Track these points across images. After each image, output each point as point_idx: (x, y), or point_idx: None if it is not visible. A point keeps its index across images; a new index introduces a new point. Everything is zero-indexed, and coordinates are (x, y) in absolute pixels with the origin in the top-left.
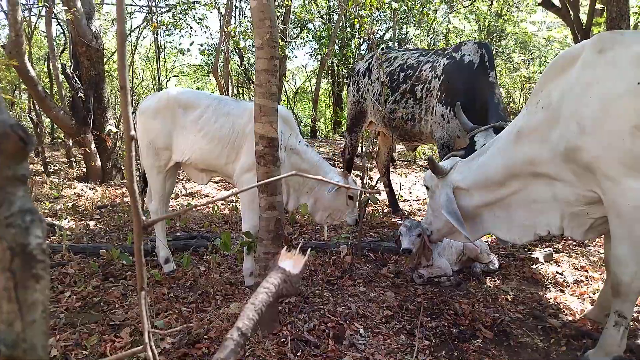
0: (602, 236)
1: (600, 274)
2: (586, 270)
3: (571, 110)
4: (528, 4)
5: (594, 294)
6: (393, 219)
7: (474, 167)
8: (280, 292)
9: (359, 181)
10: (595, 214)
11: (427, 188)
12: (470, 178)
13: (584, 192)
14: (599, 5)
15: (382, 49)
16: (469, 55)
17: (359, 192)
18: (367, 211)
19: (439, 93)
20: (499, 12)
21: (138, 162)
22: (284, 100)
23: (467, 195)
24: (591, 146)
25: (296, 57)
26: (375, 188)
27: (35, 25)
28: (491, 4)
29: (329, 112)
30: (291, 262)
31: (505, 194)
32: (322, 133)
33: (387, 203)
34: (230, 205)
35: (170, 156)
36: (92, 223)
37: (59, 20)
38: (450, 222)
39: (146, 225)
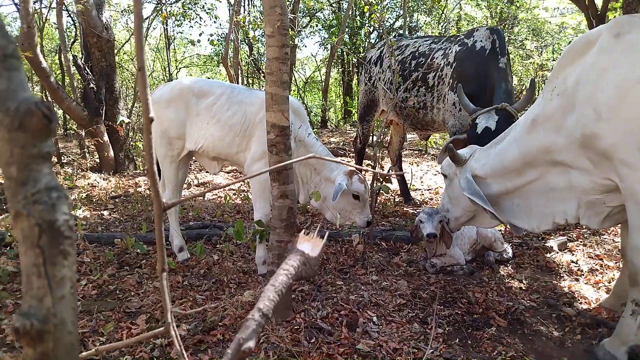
0: (619, 225)
1: (616, 263)
2: (601, 259)
3: (587, 96)
4: None
5: (609, 282)
6: (405, 208)
7: (491, 155)
8: (299, 274)
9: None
10: (612, 203)
11: (445, 176)
12: (488, 166)
13: (601, 180)
14: None
15: (395, 36)
16: (481, 41)
17: (367, 191)
18: (378, 200)
19: (451, 80)
20: None
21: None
22: (293, 90)
23: (484, 183)
24: (608, 133)
25: (306, 46)
26: (387, 176)
27: (46, 17)
28: None
29: (339, 101)
30: (310, 245)
31: (523, 183)
32: (332, 123)
33: (399, 192)
34: (242, 195)
35: (183, 145)
36: (106, 213)
37: (70, 12)
38: (469, 208)
39: (167, 207)
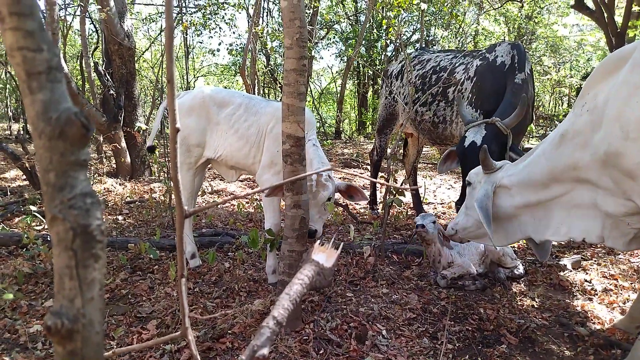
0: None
1: (631, 283)
2: (616, 279)
3: (615, 114)
4: (560, 6)
5: (624, 303)
6: None
7: (520, 167)
8: (314, 284)
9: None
10: (637, 225)
11: (469, 184)
12: (515, 177)
13: (623, 201)
14: (635, 8)
15: (416, 49)
16: (502, 56)
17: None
18: (390, 213)
19: (470, 95)
20: (530, 14)
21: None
22: (309, 101)
23: (508, 194)
24: (633, 152)
25: (322, 58)
26: (400, 189)
27: (69, 24)
28: (522, 6)
29: (354, 113)
30: (324, 255)
31: (548, 197)
32: (346, 134)
33: (411, 205)
34: (255, 203)
35: (201, 153)
36: (121, 218)
37: (93, 20)
38: (480, 222)
39: (188, 214)
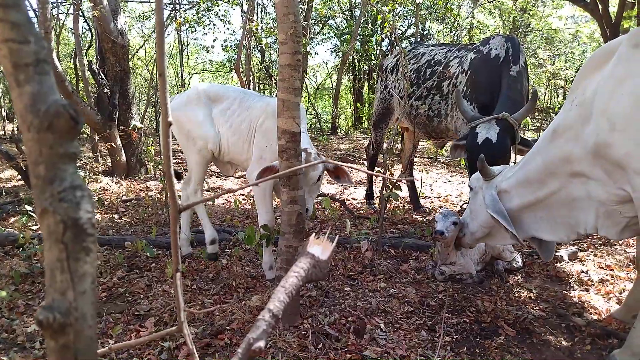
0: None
1: (627, 274)
2: (612, 270)
3: (603, 106)
4: None
5: (620, 293)
6: (414, 216)
7: (517, 168)
8: (309, 276)
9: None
10: (628, 213)
11: (471, 189)
12: (513, 178)
13: (615, 191)
14: None
15: (411, 43)
16: (496, 49)
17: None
18: (387, 207)
19: (465, 88)
20: (524, 7)
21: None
22: (304, 97)
23: (508, 197)
24: (621, 143)
25: (317, 53)
26: (397, 184)
27: (63, 22)
28: None
29: (350, 108)
30: (320, 248)
31: (545, 194)
32: (342, 129)
33: (408, 199)
34: (252, 200)
35: (206, 146)
36: (117, 216)
37: (86, 18)
38: (485, 224)
39: (182, 209)
